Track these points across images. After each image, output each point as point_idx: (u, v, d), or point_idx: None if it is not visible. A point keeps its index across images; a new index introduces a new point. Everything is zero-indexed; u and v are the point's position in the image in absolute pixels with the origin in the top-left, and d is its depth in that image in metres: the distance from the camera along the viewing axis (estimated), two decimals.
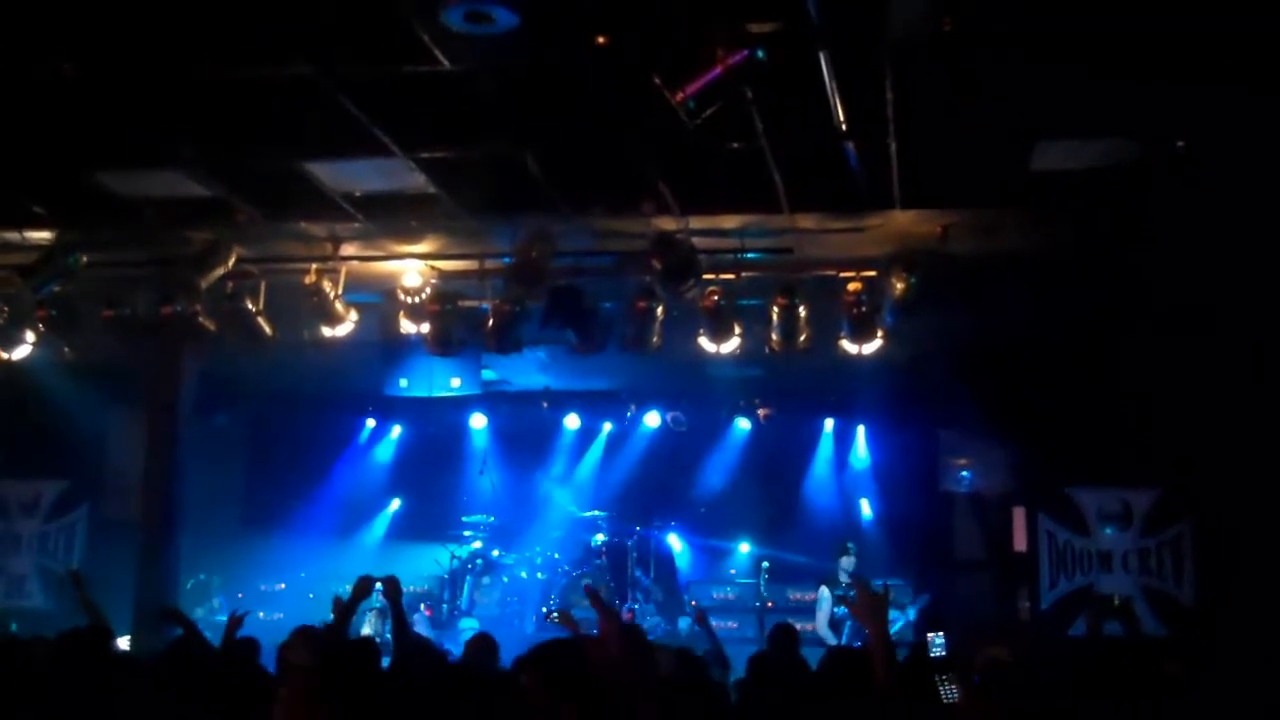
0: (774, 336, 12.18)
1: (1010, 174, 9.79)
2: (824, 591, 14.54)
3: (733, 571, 17.74)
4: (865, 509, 17.46)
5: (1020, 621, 14.33)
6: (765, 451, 17.78)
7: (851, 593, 14.12)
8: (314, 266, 12.10)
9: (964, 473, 15.91)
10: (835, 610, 14.15)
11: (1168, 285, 11.43)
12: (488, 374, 15.64)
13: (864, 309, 11.86)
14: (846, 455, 17.83)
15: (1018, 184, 9.97)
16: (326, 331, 12.46)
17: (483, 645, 8.17)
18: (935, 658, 9.63)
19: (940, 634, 10.05)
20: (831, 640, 13.87)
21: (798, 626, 14.54)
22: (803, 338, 12.12)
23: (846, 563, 14.66)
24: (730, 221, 11.17)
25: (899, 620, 14.23)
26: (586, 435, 18.77)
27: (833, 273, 12.03)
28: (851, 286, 11.86)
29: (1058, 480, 14.19)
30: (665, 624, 16.61)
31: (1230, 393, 12.49)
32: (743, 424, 17.85)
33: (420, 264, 12.32)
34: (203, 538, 15.29)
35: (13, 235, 11.76)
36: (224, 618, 14.98)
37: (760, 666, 7.80)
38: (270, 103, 8.80)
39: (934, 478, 16.11)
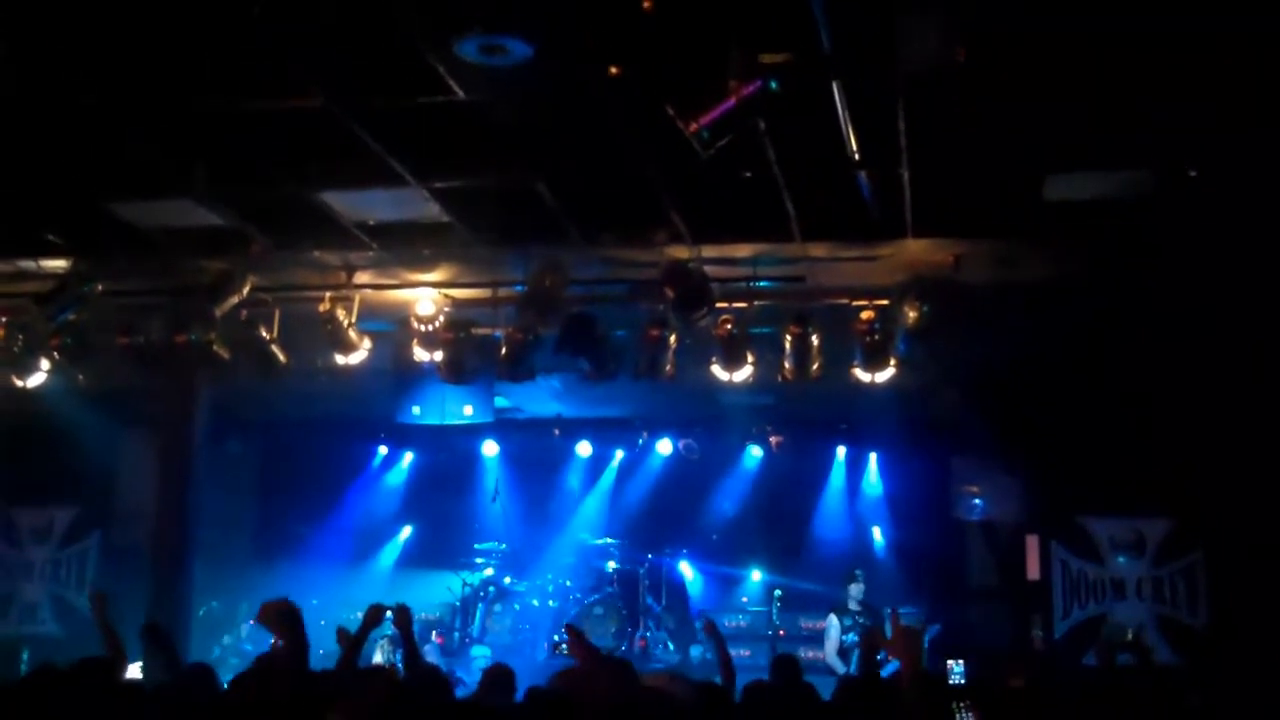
0: (786, 365, 12.16)
1: (1023, 203, 9.79)
2: (832, 619, 14.52)
3: (744, 599, 17.71)
4: (877, 536, 17.43)
5: (1034, 650, 14.27)
6: (777, 479, 17.76)
7: (863, 619, 14.12)
8: (328, 295, 12.14)
9: (976, 500, 15.85)
10: (844, 638, 14.13)
11: (1180, 314, 11.43)
12: (500, 401, 15.66)
13: (876, 337, 11.86)
14: (858, 483, 17.81)
15: (1031, 213, 9.97)
16: (340, 359, 12.49)
17: (499, 678, 8.07)
18: (954, 685, 9.60)
19: (960, 661, 10.04)
20: (840, 669, 13.84)
21: (809, 654, 14.72)
22: (815, 366, 12.12)
23: (855, 590, 14.63)
24: (743, 250, 11.19)
25: None
26: (599, 463, 18.78)
27: (845, 301, 12.03)
28: (864, 315, 11.85)
29: (1071, 509, 14.15)
30: (677, 651, 16.58)
31: (1244, 422, 12.47)
32: (755, 452, 17.86)
33: (434, 292, 12.34)
34: (215, 565, 15.31)
35: (28, 264, 11.81)
36: (251, 646, 15.04)
37: (758, 696, 7.62)
38: (284, 133, 8.85)
39: (946, 505, 16.05)
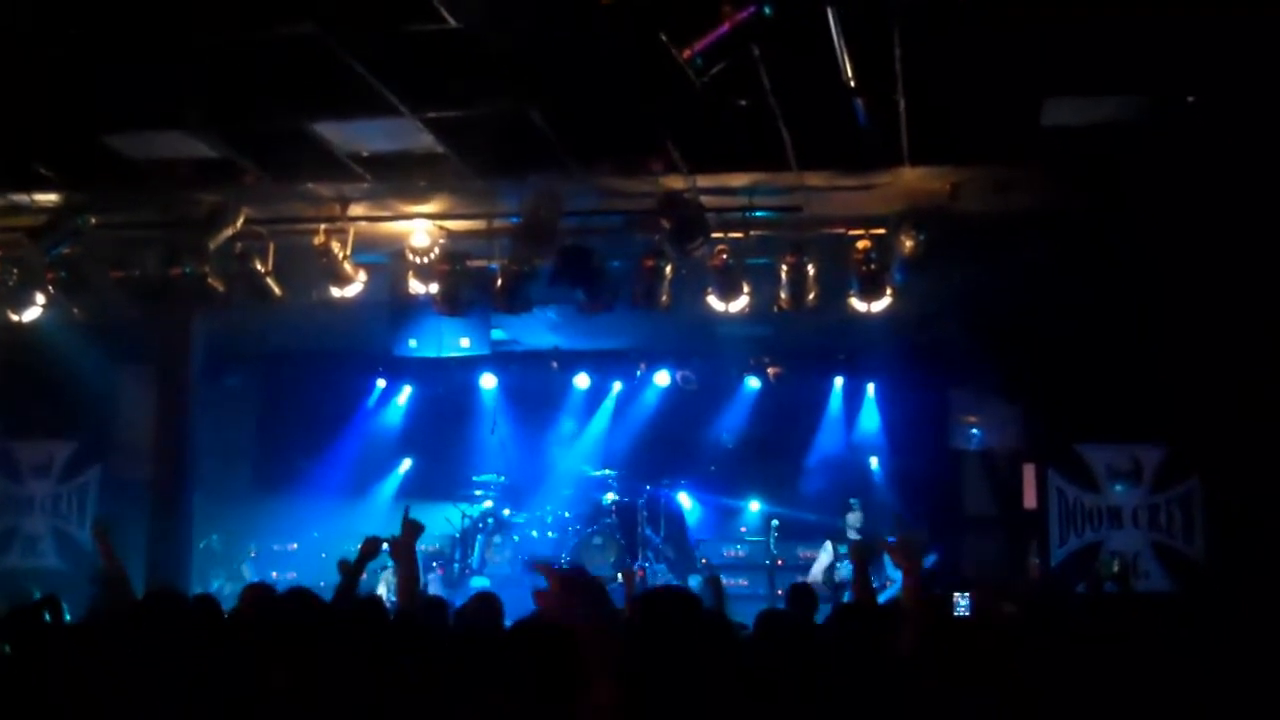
0: (783, 295, 12.16)
1: (1020, 130, 9.73)
2: (827, 545, 14.61)
3: (743, 529, 17.81)
4: (875, 466, 17.49)
5: (1030, 578, 14.36)
6: (775, 410, 17.81)
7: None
8: (322, 227, 12.10)
9: (974, 430, 15.92)
10: (837, 565, 14.20)
11: (1178, 242, 11.39)
12: (497, 334, 15.66)
13: (873, 267, 11.84)
14: (856, 413, 17.85)
15: (1028, 140, 9.91)
16: (335, 292, 12.48)
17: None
18: (958, 617, 9.67)
19: (966, 595, 10.12)
20: (823, 591, 13.89)
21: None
22: (811, 296, 12.11)
23: (853, 519, 14.68)
24: (738, 180, 11.14)
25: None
26: (596, 394, 18.83)
27: (841, 231, 12.00)
28: (860, 244, 11.83)
29: (1067, 437, 14.15)
30: (676, 581, 16.69)
31: (1240, 349, 12.47)
32: (752, 382, 17.90)
33: (428, 224, 12.30)
34: (214, 498, 15.36)
35: (21, 198, 11.75)
36: (253, 578, 15.12)
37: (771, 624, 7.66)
38: (276, 63, 8.75)
39: (944, 435, 16.13)
